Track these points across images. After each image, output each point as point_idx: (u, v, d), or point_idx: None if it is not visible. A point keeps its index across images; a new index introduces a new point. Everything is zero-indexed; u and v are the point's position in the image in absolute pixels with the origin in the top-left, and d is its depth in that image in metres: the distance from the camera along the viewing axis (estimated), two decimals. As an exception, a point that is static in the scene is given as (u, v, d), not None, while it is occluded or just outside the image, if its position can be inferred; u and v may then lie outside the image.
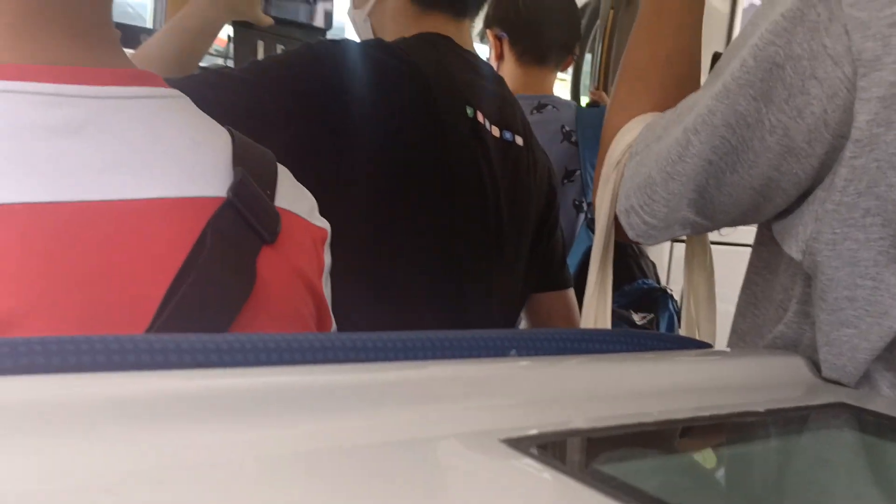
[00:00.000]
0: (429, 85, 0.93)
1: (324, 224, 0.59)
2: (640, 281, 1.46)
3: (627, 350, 0.45)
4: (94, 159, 0.45)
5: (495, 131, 1.01)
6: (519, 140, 1.05)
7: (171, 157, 0.48)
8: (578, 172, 1.51)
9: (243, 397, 0.30)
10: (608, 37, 1.66)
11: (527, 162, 1.07)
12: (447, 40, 1.01)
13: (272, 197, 0.53)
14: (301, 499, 0.26)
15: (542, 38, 1.53)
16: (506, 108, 1.06)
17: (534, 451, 0.30)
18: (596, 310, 0.67)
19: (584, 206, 1.51)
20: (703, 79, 0.63)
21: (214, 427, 0.28)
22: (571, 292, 1.21)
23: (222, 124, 0.55)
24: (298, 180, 0.59)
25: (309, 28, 1.33)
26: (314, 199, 0.60)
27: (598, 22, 1.68)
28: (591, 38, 1.79)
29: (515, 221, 1.05)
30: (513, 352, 0.38)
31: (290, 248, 0.52)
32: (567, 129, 1.52)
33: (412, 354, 0.35)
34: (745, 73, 0.49)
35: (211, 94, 0.82)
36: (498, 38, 1.58)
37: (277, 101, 0.86)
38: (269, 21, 1.23)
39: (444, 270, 0.95)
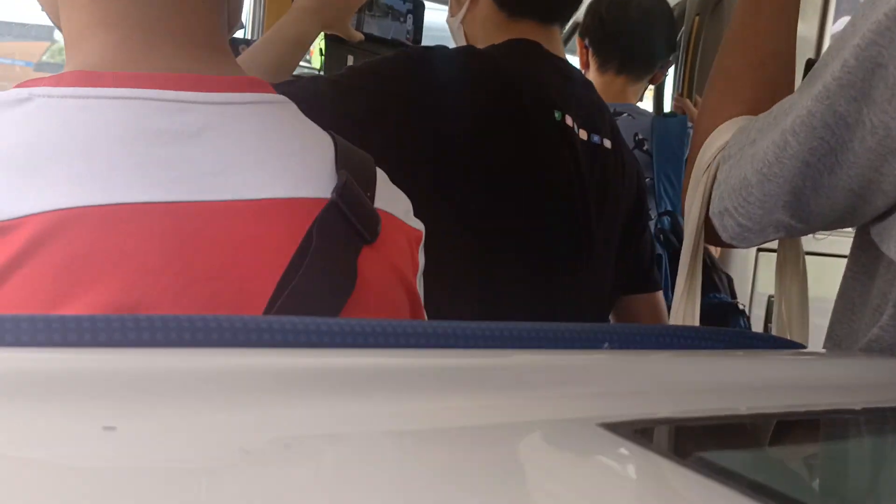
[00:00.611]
0: (517, 90, 0.96)
1: (418, 225, 0.61)
2: (710, 295, 1.43)
3: (719, 347, 0.45)
4: (213, 162, 0.47)
5: (583, 134, 1.03)
6: (607, 143, 1.06)
7: (282, 160, 0.50)
8: (649, 181, 1.50)
9: (354, 376, 0.32)
10: (693, 43, 1.64)
11: (615, 164, 1.08)
12: (536, 46, 1.03)
13: (372, 198, 0.55)
14: (406, 476, 0.28)
15: (621, 49, 1.53)
16: (594, 113, 1.07)
17: (632, 435, 0.31)
18: (684, 315, 0.67)
19: (654, 215, 1.50)
20: (796, 85, 0.63)
21: (327, 402, 0.30)
22: (660, 295, 1.20)
23: (323, 128, 0.57)
24: (393, 182, 0.61)
25: (397, 45, 1.37)
26: (409, 200, 0.62)
27: (683, 28, 1.67)
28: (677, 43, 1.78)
29: (604, 223, 1.06)
30: (606, 345, 0.39)
31: (388, 248, 0.54)
32: (640, 137, 1.52)
33: (511, 344, 0.36)
34: (847, 74, 0.49)
35: (312, 98, 0.86)
36: (585, 47, 1.59)
37: (373, 104, 0.90)
38: (359, 37, 1.27)
39: (533, 272, 0.97)
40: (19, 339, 0.28)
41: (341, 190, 0.51)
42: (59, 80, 0.47)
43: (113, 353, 0.28)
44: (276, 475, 0.25)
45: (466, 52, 0.99)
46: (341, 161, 0.54)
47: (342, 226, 0.50)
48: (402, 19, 1.36)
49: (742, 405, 0.35)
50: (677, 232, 1.43)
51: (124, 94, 0.46)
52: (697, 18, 1.62)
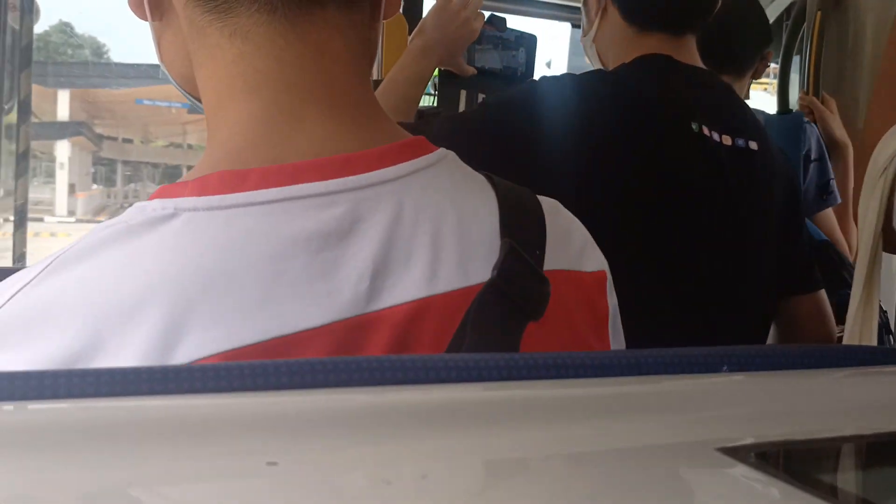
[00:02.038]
0: (648, 109, 0.96)
1: (597, 264, 0.56)
2: (843, 291, 1.36)
3: (849, 366, 0.45)
4: (365, 265, 0.44)
5: (727, 140, 1.01)
6: (753, 145, 1.05)
7: (440, 245, 0.47)
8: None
9: (478, 408, 0.35)
10: (816, 40, 1.57)
11: (763, 165, 1.06)
12: (666, 59, 1.03)
13: (541, 258, 0.51)
14: (534, 501, 0.30)
15: (720, 49, 1.49)
16: (736, 116, 1.06)
17: (751, 459, 0.32)
18: (861, 325, 0.65)
19: None
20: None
21: (457, 434, 0.33)
22: (823, 294, 1.15)
23: (469, 163, 0.54)
24: None
25: (510, 78, 1.39)
26: (582, 228, 0.57)
27: (805, 24, 1.60)
28: (799, 40, 1.71)
29: (757, 227, 1.04)
30: (724, 368, 0.40)
31: (558, 318, 0.50)
32: None
33: (629, 371, 0.38)
34: None
35: (450, 137, 0.91)
36: None
37: (511, 138, 0.93)
38: (471, 71, 1.32)
39: (688, 288, 0.97)
40: (193, 386, 0.32)
41: (502, 266, 0.47)
42: (203, 186, 0.44)
43: (269, 395, 0.32)
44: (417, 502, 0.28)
45: (593, 77, 1.00)
46: (505, 222, 0.50)
47: (501, 308, 0.46)
48: (513, 52, 1.39)
49: (866, 427, 0.35)
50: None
51: (270, 196, 0.44)
52: (820, 14, 1.55)
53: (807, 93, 1.60)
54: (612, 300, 0.57)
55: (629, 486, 0.32)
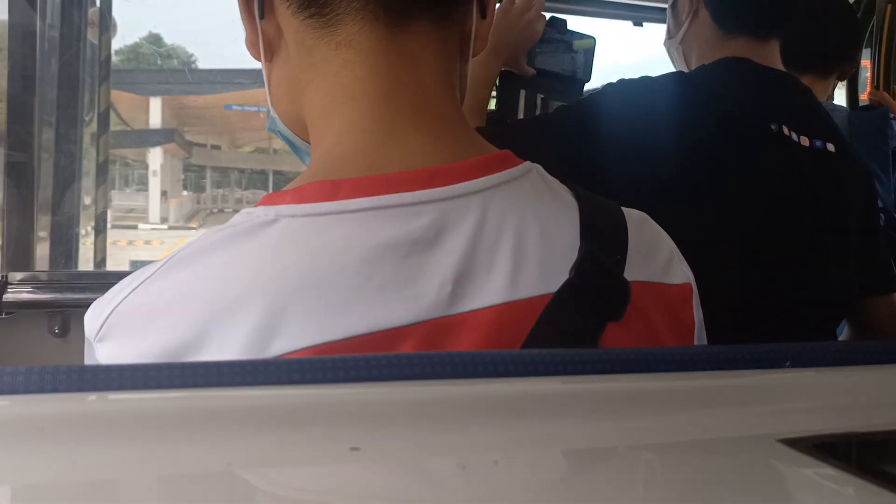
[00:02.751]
0: (727, 110, 0.96)
1: (683, 277, 0.57)
2: None
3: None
4: (450, 270, 0.47)
5: (805, 141, 1.01)
6: (830, 147, 1.04)
7: (523, 252, 0.49)
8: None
9: (550, 401, 0.37)
10: (887, 33, 1.53)
11: (843, 167, 1.05)
12: (745, 62, 1.03)
13: (622, 263, 0.52)
14: (594, 491, 0.32)
15: (802, 48, 1.47)
16: (814, 118, 1.06)
17: (812, 450, 0.33)
18: None
19: None
20: None
21: (521, 424, 0.35)
22: None
23: (550, 171, 0.56)
24: None
25: (568, 80, 1.40)
26: (670, 242, 0.58)
27: (875, 18, 1.56)
28: (868, 33, 1.67)
29: (835, 228, 1.04)
30: (787, 363, 0.41)
31: (642, 321, 0.51)
32: None
33: (694, 366, 0.39)
34: None
35: (529, 146, 0.94)
36: None
37: (590, 143, 0.94)
38: (531, 72, 1.33)
39: (769, 288, 0.97)
40: (285, 378, 0.35)
41: (580, 267, 0.49)
42: (301, 195, 0.48)
43: (354, 387, 0.35)
44: (489, 486, 0.30)
45: (671, 79, 1.02)
46: (586, 229, 0.52)
47: (578, 307, 0.48)
48: (573, 54, 1.40)
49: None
50: (894, 228, 1.35)
51: (362, 205, 0.47)
52: (890, 7, 1.51)
53: (877, 87, 1.56)
54: (697, 313, 0.57)
55: (694, 476, 0.33)
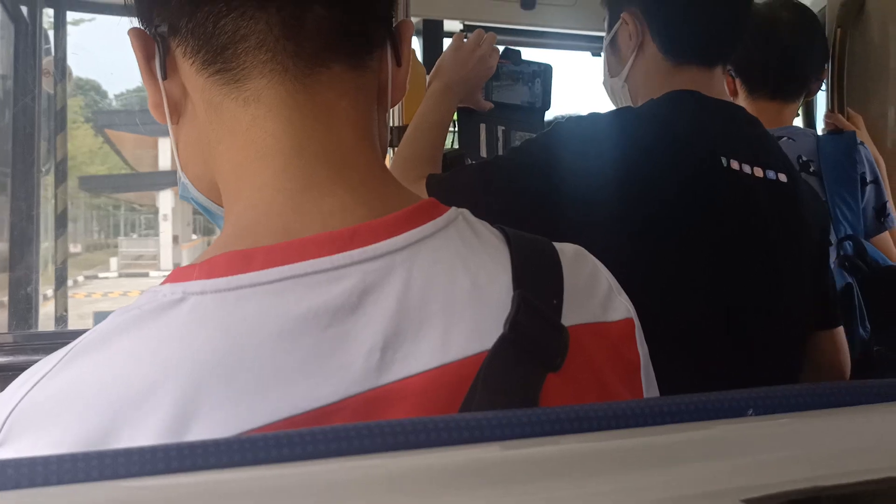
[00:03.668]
0: (680, 145, 0.95)
1: (624, 312, 0.55)
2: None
3: (885, 401, 0.43)
4: (374, 338, 0.44)
5: (758, 172, 1.01)
6: (783, 177, 1.04)
7: (451, 311, 0.46)
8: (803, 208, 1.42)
9: (492, 468, 0.34)
10: (839, 56, 1.56)
11: (794, 197, 1.05)
12: (695, 94, 1.03)
13: (559, 308, 0.50)
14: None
15: (771, 74, 1.48)
16: (764, 148, 1.05)
17: (777, 510, 0.31)
18: None
19: (833, 239, 1.41)
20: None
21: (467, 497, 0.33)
22: (841, 331, 1.14)
23: (493, 213, 0.54)
24: None
25: (528, 109, 1.40)
26: (608, 275, 0.56)
27: (826, 41, 1.59)
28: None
29: (790, 261, 1.03)
30: (750, 411, 0.39)
31: (581, 368, 0.49)
32: (804, 159, 1.45)
33: (649, 420, 0.37)
34: None
35: (483, 186, 0.92)
36: (731, 75, 1.56)
37: (543, 181, 0.92)
38: (489, 106, 1.33)
39: (726, 322, 0.95)
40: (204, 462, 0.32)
41: (514, 320, 0.46)
42: (210, 269, 0.45)
43: (275, 468, 0.32)
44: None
45: (623, 115, 1.00)
46: (519, 275, 0.49)
47: (516, 362, 0.46)
48: (529, 84, 1.40)
49: (899, 469, 0.34)
50: (862, 257, 1.34)
51: (278, 274, 0.44)
52: (839, 31, 1.54)
53: (832, 110, 1.58)
54: (642, 349, 0.55)
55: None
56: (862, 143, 1.48)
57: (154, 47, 0.52)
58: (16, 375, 1.24)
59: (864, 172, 1.46)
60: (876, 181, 1.47)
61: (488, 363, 0.45)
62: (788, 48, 1.47)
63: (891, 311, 1.33)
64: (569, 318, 0.50)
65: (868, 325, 1.33)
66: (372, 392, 0.43)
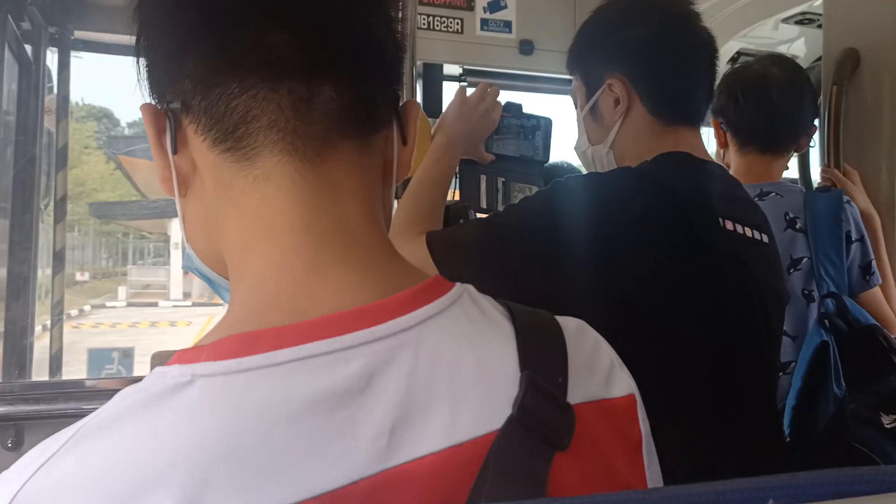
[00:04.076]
0: (684, 207, 0.95)
1: (627, 388, 0.55)
2: (892, 377, 1.32)
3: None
4: (381, 421, 0.44)
5: (748, 232, 1.03)
6: (766, 238, 1.06)
7: (458, 391, 0.47)
8: (805, 260, 1.43)
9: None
10: (834, 112, 1.58)
11: (775, 256, 1.08)
12: (687, 156, 1.04)
13: (565, 386, 0.50)
14: None
15: (762, 130, 1.51)
16: (748, 209, 1.07)
17: None
18: None
19: (815, 296, 1.42)
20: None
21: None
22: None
23: (492, 274, 0.55)
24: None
25: (528, 162, 1.42)
26: (609, 350, 0.57)
27: (821, 98, 1.62)
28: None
29: (775, 319, 1.05)
30: (770, 502, 0.39)
31: (587, 446, 0.49)
32: (791, 215, 1.46)
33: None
34: None
35: (482, 243, 0.92)
36: (722, 128, 1.58)
37: (546, 242, 0.92)
38: (490, 158, 1.34)
39: (728, 381, 0.96)
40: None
41: (523, 401, 0.47)
42: (218, 351, 0.45)
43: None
44: None
45: (623, 175, 1.00)
46: (525, 355, 0.50)
47: (525, 443, 0.46)
48: (530, 137, 1.42)
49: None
50: (843, 315, 1.36)
51: (284, 357, 0.44)
52: (835, 87, 1.57)
53: (828, 165, 1.60)
54: (644, 425, 0.55)
55: None
56: (849, 202, 1.50)
57: (165, 122, 0.52)
58: (14, 424, 1.22)
59: (849, 231, 1.47)
60: (861, 239, 1.48)
61: (497, 444, 0.45)
62: (779, 105, 1.49)
63: (867, 370, 1.34)
64: (573, 395, 0.50)
65: (843, 384, 1.34)
66: (379, 475, 0.43)
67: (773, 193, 1.48)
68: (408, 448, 0.44)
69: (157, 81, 0.53)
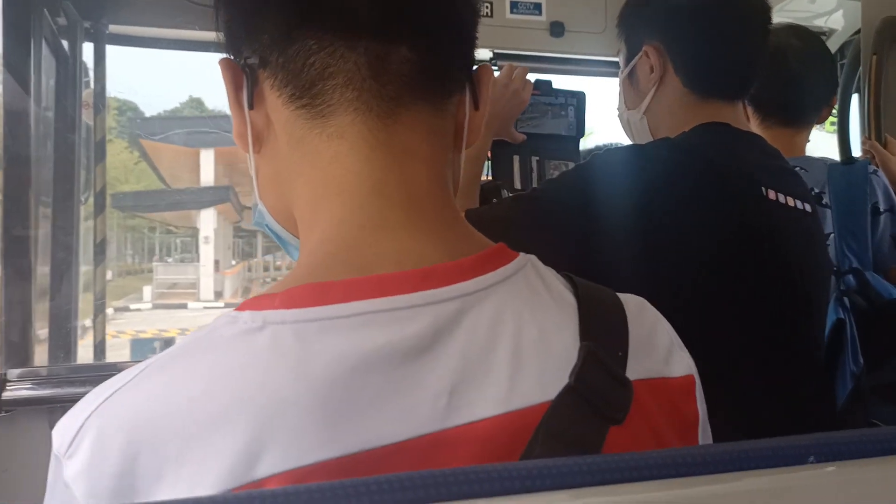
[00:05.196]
0: (723, 176, 0.95)
1: (686, 368, 0.55)
2: None
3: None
4: (444, 380, 0.45)
5: (791, 202, 1.01)
6: (808, 207, 1.05)
7: (520, 357, 0.47)
8: (832, 236, 1.40)
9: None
10: (874, 82, 1.55)
11: (816, 226, 1.06)
12: (726, 126, 1.03)
13: (624, 361, 0.50)
14: None
15: (782, 102, 1.48)
16: (790, 178, 1.06)
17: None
18: None
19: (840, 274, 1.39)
20: None
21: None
22: None
23: (527, 249, 0.54)
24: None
25: (562, 138, 1.40)
26: (669, 329, 0.57)
27: (861, 67, 1.58)
28: (856, 80, 1.69)
29: (818, 290, 1.04)
30: (811, 458, 0.39)
31: (641, 422, 0.49)
32: (816, 191, 1.43)
33: (713, 468, 0.37)
34: None
35: (515, 220, 0.92)
36: (742, 103, 1.55)
37: (574, 219, 0.92)
38: (521, 138, 1.34)
39: (761, 353, 0.95)
40: None
41: (580, 371, 0.47)
42: (289, 299, 0.46)
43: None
44: None
45: (663, 146, 0.99)
46: (586, 327, 0.50)
47: (579, 413, 0.46)
48: (562, 113, 1.41)
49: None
50: (864, 292, 1.32)
51: (356, 309, 0.45)
52: (875, 57, 1.53)
53: (868, 136, 1.57)
54: (701, 406, 0.55)
55: None
56: (875, 171, 1.46)
57: (242, 78, 0.53)
58: (61, 406, 1.26)
59: (876, 202, 1.43)
60: (892, 209, 1.44)
61: (551, 413, 0.45)
62: (798, 76, 1.47)
63: (889, 346, 1.31)
64: (632, 371, 0.50)
65: (861, 360, 1.31)
66: (437, 434, 0.44)
67: (798, 168, 1.46)
68: (465, 410, 0.45)
69: (235, 37, 0.54)
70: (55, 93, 2.03)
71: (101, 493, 0.43)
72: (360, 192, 0.50)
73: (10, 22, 1.48)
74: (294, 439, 0.41)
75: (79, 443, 0.44)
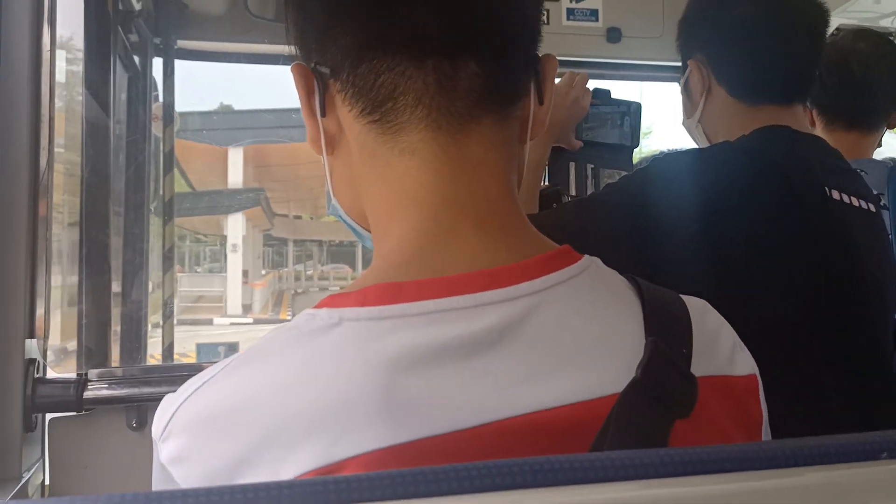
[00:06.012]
0: (786, 177, 0.95)
1: (749, 368, 0.56)
2: None
3: None
4: (512, 371, 0.47)
5: (855, 202, 1.01)
6: (871, 207, 1.04)
7: (587, 351, 0.49)
8: (889, 237, 1.37)
9: None
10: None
11: (882, 226, 1.06)
12: (785, 129, 1.03)
13: (688, 358, 0.51)
14: None
15: (847, 106, 1.45)
16: (853, 179, 1.05)
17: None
18: None
19: None
20: None
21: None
22: None
23: (587, 248, 0.55)
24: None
25: (617, 147, 1.41)
26: (731, 331, 0.57)
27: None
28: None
29: (888, 286, 1.03)
30: (884, 454, 0.39)
31: (707, 418, 0.50)
32: (876, 192, 1.40)
33: (785, 463, 0.38)
34: None
35: (575, 224, 0.93)
36: (806, 106, 1.53)
37: (634, 220, 0.93)
38: (579, 145, 1.35)
39: (841, 359, 0.95)
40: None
41: (647, 365, 0.48)
42: (364, 297, 0.48)
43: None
44: None
45: (724, 149, 1.00)
46: (651, 323, 0.51)
47: (646, 407, 0.47)
48: (619, 123, 1.41)
49: None
50: None
51: (424, 308, 0.47)
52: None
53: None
54: (764, 406, 0.56)
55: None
56: None
57: (314, 84, 0.55)
58: (137, 405, 1.31)
59: None
60: None
61: (620, 405, 0.47)
62: (861, 80, 1.44)
63: None
64: (697, 368, 0.51)
65: None
66: (507, 421, 0.45)
67: (858, 170, 1.43)
68: (534, 399, 0.46)
69: (307, 48, 0.56)
70: (127, 106, 2.11)
71: (191, 475, 0.47)
72: (433, 203, 0.52)
73: (92, 42, 1.56)
74: (369, 424, 0.44)
75: (171, 428, 0.48)
